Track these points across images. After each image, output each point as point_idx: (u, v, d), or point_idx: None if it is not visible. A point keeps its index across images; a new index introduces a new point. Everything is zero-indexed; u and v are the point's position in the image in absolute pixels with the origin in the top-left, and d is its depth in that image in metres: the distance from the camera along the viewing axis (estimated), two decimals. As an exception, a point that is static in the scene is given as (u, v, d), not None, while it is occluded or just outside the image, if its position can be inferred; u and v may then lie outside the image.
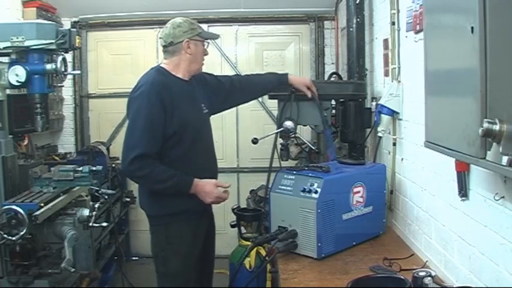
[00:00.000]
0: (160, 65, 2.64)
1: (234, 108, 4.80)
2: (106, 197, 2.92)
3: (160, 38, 2.63)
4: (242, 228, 3.21)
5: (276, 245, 2.40)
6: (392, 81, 2.88)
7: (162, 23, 3.09)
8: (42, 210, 2.39)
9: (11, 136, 2.73)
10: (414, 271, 1.91)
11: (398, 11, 2.81)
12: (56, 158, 4.54)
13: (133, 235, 5.01)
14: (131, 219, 4.97)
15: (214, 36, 2.81)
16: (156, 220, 2.58)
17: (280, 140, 3.08)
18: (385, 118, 2.88)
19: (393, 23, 2.85)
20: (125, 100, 2.58)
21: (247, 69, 4.77)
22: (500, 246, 1.64)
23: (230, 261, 3.22)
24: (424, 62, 1.86)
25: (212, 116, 2.81)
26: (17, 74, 2.51)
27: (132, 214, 4.96)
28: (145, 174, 2.39)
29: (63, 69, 2.61)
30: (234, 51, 5.03)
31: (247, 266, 2.96)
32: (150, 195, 2.56)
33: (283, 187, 2.50)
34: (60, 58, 2.59)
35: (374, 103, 3.17)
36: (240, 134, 4.99)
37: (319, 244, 2.34)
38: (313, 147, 3.18)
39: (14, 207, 2.33)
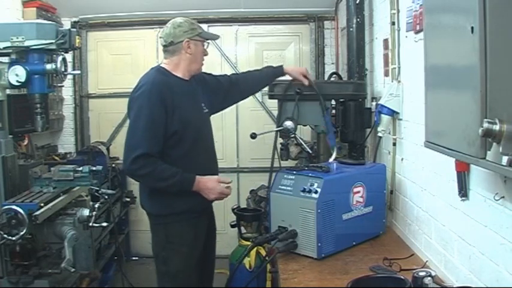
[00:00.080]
0: (161, 65, 2.65)
1: (234, 109, 4.85)
2: (106, 197, 2.92)
3: (160, 37, 2.64)
4: (242, 228, 3.21)
5: (276, 245, 2.40)
6: (392, 81, 2.88)
7: (162, 23, 3.10)
8: (42, 210, 2.39)
9: (11, 136, 2.73)
10: (414, 271, 1.91)
11: (398, 11, 2.81)
12: (56, 158, 4.54)
13: (133, 235, 5.00)
14: (131, 219, 4.97)
15: (214, 37, 2.82)
16: (156, 219, 2.58)
17: (280, 140, 3.08)
18: (385, 118, 2.89)
19: (393, 23, 2.85)
20: (125, 100, 2.58)
21: (247, 69, 4.75)
22: (500, 246, 1.64)
23: (230, 261, 3.22)
24: (424, 62, 1.86)
25: (212, 116, 2.81)
26: (17, 74, 2.51)
27: (132, 214, 4.96)
28: (148, 172, 2.40)
29: (63, 69, 2.61)
30: (234, 51, 5.03)
31: (247, 266, 2.97)
32: (150, 194, 2.57)
33: (283, 187, 2.50)
34: (60, 58, 2.59)
35: (374, 103, 3.17)
36: (240, 134, 4.99)
37: (319, 244, 2.34)
38: (310, 151, 3.18)
39: (14, 207, 2.33)
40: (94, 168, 2.69)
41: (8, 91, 2.71)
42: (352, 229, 2.50)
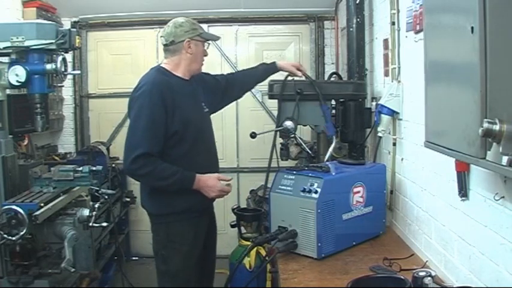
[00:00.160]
0: (161, 65, 2.65)
1: (234, 109, 4.85)
2: (106, 197, 2.92)
3: (161, 36, 2.64)
4: (242, 228, 3.21)
5: (276, 245, 2.40)
6: (392, 81, 2.88)
7: (162, 23, 3.10)
8: (42, 210, 2.39)
9: (11, 136, 2.73)
10: (414, 271, 1.91)
11: (398, 11, 2.81)
12: (56, 158, 4.54)
13: (133, 235, 5.00)
14: (131, 219, 4.97)
15: (215, 38, 2.82)
16: (157, 219, 2.58)
17: (280, 140, 3.08)
18: (385, 118, 2.89)
19: (393, 23, 2.85)
20: (125, 100, 2.58)
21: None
22: (500, 246, 1.64)
23: (230, 261, 3.22)
24: (424, 62, 1.86)
25: (212, 116, 2.82)
26: (17, 74, 2.51)
27: (132, 214, 4.96)
28: (148, 172, 2.40)
29: (63, 69, 2.61)
30: (234, 51, 5.03)
31: (247, 266, 2.97)
32: (151, 193, 2.57)
33: (283, 187, 2.50)
34: (60, 58, 2.59)
35: (374, 103, 3.17)
36: (240, 134, 4.99)
37: (319, 244, 2.34)
38: (310, 151, 3.18)
39: (14, 207, 2.33)
40: (94, 168, 2.69)
41: (8, 91, 2.71)
42: (352, 229, 2.50)
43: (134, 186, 4.46)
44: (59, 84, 3.63)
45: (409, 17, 2.58)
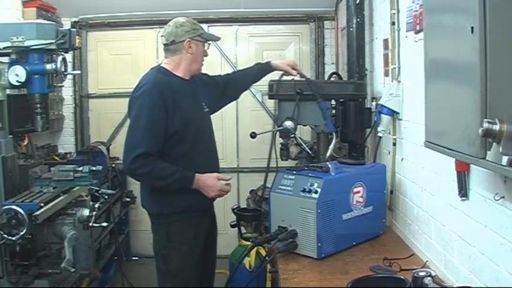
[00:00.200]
0: (161, 65, 2.65)
1: (234, 109, 4.85)
2: (106, 197, 2.92)
3: (162, 36, 2.64)
4: (242, 228, 3.21)
5: (276, 245, 2.40)
6: (392, 81, 2.88)
7: (162, 23, 3.10)
8: (42, 210, 2.39)
9: (11, 136, 2.73)
10: (414, 271, 1.91)
11: (398, 11, 2.81)
12: (56, 158, 4.54)
13: (133, 235, 5.00)
14: (131, 219, 4.97)
15: (216, 38, 2.82)
16: (157, 218, 2.58)
17: (280, 140, 3.08)
18: (385, 118, 2.89)
19: (393, 23, 2.85)
20: (125, 100, 2.58)
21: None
22: (500, 246, 1.64)
23: (230, 261, 3.22)
24: (424, 62, 1.86)
25: (212, 116, 2.82)
26: (17, 74, 2.51)
27: (132, 214, 4.96)
28: (147, 171, 2.40)
29: (63, 69, 2.61)
30: (234, 51, 5.03)
31: (247, 266, 2.97)
32: (151, 193, 2.57)
33: (283, 187, 2.50)
34: (60, 58, 2.59)
35: (374, 103, 3.17)
36: (240, 134, 4.99)
37: (319, 244, 2.34)
38: (310, 151, 3.18)
39: (14, 207, 2.33)
40: (94, 168, 2.69)
41: (8, 91, 2.71)
42: (352, 229, 2.50)
43: (134, 186, 4.46)
44: (59, 84, 3.63)
45: (409, 17, 2.58)
